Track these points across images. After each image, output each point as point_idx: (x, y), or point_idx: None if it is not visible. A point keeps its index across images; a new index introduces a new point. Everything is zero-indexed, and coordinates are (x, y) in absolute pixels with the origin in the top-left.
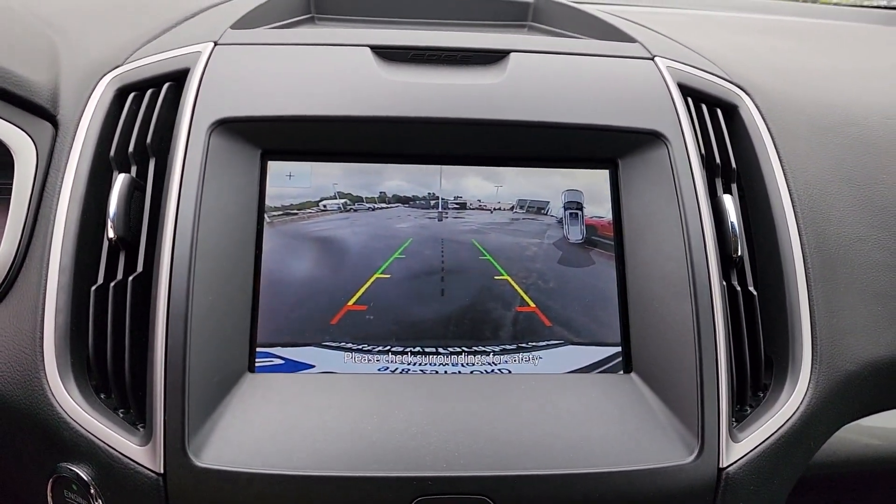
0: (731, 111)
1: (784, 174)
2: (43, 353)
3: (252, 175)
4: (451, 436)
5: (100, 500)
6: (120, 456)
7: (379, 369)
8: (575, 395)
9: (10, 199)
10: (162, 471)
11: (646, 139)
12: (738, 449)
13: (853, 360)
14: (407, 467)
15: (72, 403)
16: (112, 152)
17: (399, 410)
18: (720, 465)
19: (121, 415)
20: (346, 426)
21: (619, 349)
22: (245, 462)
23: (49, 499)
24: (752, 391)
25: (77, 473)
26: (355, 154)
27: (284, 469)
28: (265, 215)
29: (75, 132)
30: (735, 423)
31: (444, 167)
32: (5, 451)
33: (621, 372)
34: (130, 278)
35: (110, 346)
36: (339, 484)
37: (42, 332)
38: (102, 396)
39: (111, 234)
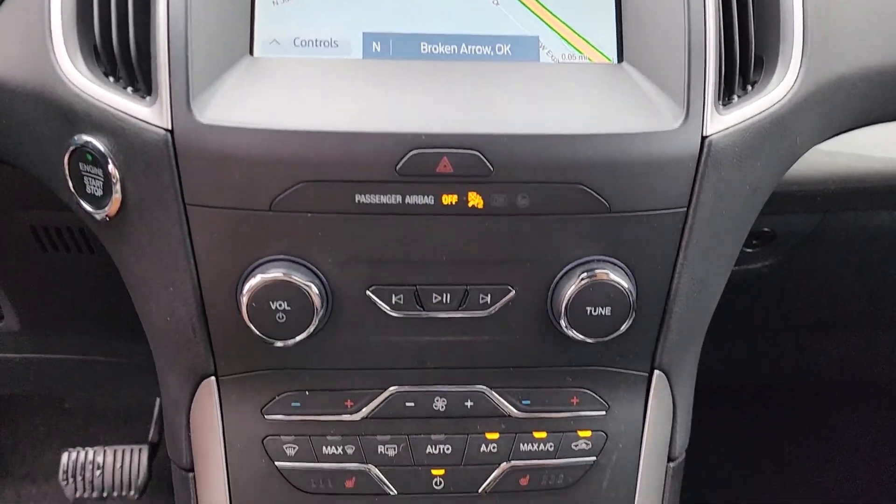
0: None
1: None
2: (52, 39)
3: None
4: (447, 101)
5: (113, 165)
6: (129, 118)
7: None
8: (569, 76)
9: None
10: (169, 126)
11: None
12: (722, 121)
13: (843, 62)
14: (404, 125)
15: (82, 80)
16: None
17: (399, 83)
18: (704, 133)
19: (129, 91)
20: (345, 93)
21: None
22: (247, 119)
23: (66, 171)
24: (741, 84)
25: (91, 142)
26: None
27: (285, 125)
28: None
29: None
30: (722, 105)
31: None
32: (25, 135)
33: (615, 62)
34: None
35: (115, 29)
36: (339, 138)
37: (49, 21)
38: (111, 80)
39: None
